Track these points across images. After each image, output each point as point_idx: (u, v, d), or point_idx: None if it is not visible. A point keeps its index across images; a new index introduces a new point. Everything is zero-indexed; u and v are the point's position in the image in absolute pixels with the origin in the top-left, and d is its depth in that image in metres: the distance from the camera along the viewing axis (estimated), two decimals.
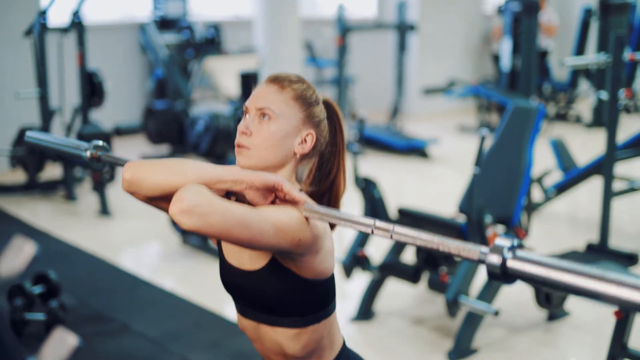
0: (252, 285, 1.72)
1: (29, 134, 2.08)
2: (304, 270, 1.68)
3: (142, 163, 1.62)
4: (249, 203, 1.62)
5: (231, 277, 1.77)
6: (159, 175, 1.58)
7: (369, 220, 1.50)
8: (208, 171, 1.58)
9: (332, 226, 1.76)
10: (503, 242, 1.31)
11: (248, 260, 1.72)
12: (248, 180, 1.59)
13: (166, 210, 1.61)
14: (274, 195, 1.62)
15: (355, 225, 1.52)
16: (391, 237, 1.47)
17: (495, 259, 1.30)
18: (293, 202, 1.61)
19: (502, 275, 1.31)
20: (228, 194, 1.65)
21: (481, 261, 1.34)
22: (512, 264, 1.30)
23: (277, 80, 1.72)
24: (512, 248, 1.31)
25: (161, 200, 1.62)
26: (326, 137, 1.77)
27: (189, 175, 1.56)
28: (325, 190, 1.80)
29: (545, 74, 10.09)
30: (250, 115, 1.71)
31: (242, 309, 1.79)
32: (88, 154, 1.92)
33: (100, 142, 1.94)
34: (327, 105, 1.79)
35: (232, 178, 1.59)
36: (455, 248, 1.39)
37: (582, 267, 1.24)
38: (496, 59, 9.95)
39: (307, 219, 1.61)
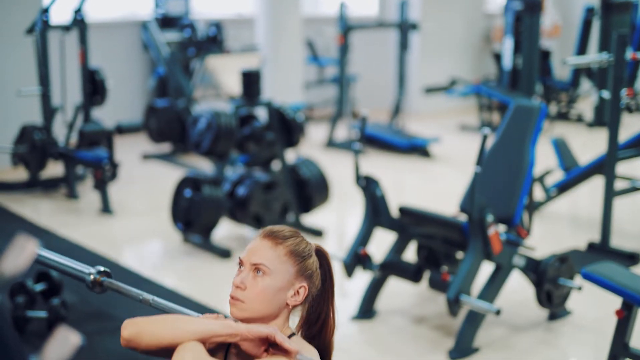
0: None
1: (38, 251, 2.12)
2: None
3: (138, 322, 1.73)
4: (245, 352, 1.72)
5: None
6: (157, 333, 1.69)
7: None
8: (203, 327, 1.69)
9: None
10: None
11: None
12: (242, 334, 1.69)
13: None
14: (268, 344, 1.70)
15: None
16: None
17: None
18: (286, 352, 1.68)
19: None
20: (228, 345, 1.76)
21: None
22: None
23: (272, 236, 1.79)
24: None
25: (161, 353, 1.72)
26: (318, 286, 1.84)
27: (186, 332, 1.68)
28: (315, 333, 1.86)
29: (547, 73, 10.08)
30: (245, 269, 1.78)
31: None
32: (91, 278, 2.03)
33: (102, 268, 2.04)
34: (319, 253, 1.86)
35: (226, 332, 1.69)
36: None
37: None
38: (498, 57, 9.95)
39: None
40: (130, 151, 8.20)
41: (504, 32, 9.28)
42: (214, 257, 5.14)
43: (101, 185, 6.08)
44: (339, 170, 7.13)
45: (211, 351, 1.74)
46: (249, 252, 1.78)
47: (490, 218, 3.73)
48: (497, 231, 3.78)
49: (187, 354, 1.64)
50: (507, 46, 9.17)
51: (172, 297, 4.47)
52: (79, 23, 6.52)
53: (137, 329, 1.71)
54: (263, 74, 6.45)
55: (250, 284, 1.75)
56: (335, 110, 8.99)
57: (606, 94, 5.28)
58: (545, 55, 10.06)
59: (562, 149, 5.89)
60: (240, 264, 1.79)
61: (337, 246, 5.33)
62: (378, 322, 4.17)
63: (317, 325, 1.85)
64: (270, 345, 1.70)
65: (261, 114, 6.59)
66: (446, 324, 4.11)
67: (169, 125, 7.87)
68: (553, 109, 10.05)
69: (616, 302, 3.19)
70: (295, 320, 1.86)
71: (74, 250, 5.24)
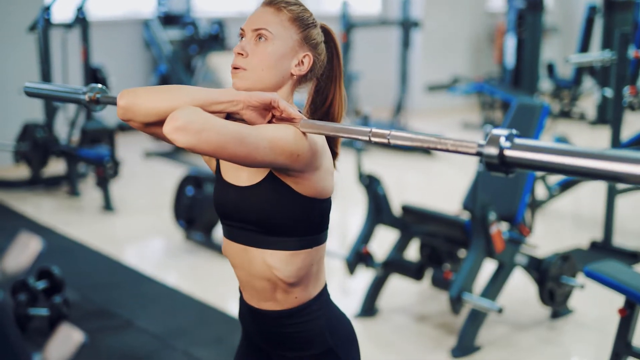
0: (248, 201, 1.70)
1: (27, 84, 2.07)
2: (302, 187, 1.68)
3: (136, 90, 1.61)
4: (248, 123, 1.62)
5: (226, 195, 1.75)
6: (154, 100, 1.58)
7: (365, 129, 1.51)
8: (203, 93, 1.59)
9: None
10: (500, 131, 1.31)
11: (245, 177, 1.72)
12: (244, 100, 1.60)
13: (162, 136, 1.60)
14: (271, 115, 1.63)
15: (353, 134, 1.53)
16: (389, 142, 1.48)
17: (492, 150, 1.30)
18: (290, 119, 1.62)
19: (501, 166, 1.30)
20: (228, 117, 1.66)
21: (479, 154, 1.34)
22: (509, 153, 1.29)
23: (274, 3, 1.72)
24: (509, 137, 1.30)
25: (157, 126, 1.61)
26: (323, 61, 1.77)
27: (184, 98, 1.57)
28: (322, 116, 1.80)
29: (549, 71, 10.08)
30: (247, 37, 1.70)
31: (231, 232, 1.77)
32: (86, 97, 1.92)
33: (99, 85, 1.93)
34: (325, 30, 1.79)
35: (227, 99, 1.60)
36: (452, 144, 1.39)
37: (579, 147, 1.23)
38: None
39: (305, 135, 1.62)
40: (132, 149, 8.20)
41: (507, 31, 9.28)
42: (215, 255, 5.14)
43: (103, 183, 6.08)
44: (341, 168, 7.07)
45: None
46: (250, 19, 1.71)
47: (492, 216, 3.72)
48: (500, 229, 3.78)
49: (184, 107, 1.53)
50: (509, 44, 9.16)
51: (174, 295, 4.47)
52: (81, 21, 6.52)
53: (134, 97, 1.60)
54: None
55: (252, 51, 1.68)
56: None
57: (609, 92, 5.27)
58: None
59: None
60: (242, 34, 1.72)
61: (339, 244, 5.33)
62: (380, 320, 4.17)
63: (324, 107, 1.79)
64: (274, 116, 1.63)
65: None
66: (448, 322, 4.11)
67: None
68: (555, 107, 10.04)
69: (619, 300, 3.19)
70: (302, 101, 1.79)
71: (75, 248, 5.24)
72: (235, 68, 1.69)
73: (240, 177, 1.72)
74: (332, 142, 1.81)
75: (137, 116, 1.60)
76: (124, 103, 1.60)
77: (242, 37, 1.72)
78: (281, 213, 1.68)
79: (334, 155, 1.81)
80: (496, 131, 1.31)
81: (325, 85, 1.79)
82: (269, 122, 1.63)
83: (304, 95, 1.82)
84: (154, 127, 1.62)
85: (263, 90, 1.66)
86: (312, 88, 1.79)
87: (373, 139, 1.50)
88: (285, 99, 1.71)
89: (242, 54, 1.68)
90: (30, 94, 2.06)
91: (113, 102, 1.82)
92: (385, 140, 1.48)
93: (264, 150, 1.56)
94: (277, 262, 1.71)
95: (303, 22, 1.72)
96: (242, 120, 1.62)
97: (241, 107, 1.60)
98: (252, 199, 1.69)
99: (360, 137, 1.52)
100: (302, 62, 1.71)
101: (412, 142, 1.46)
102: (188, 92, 1.58)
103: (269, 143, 1.56)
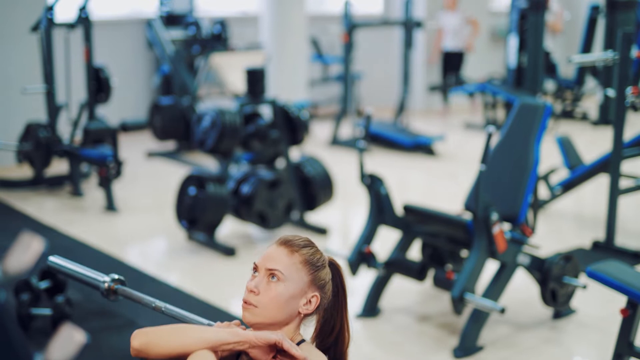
0: None
1: (51, 259, 2.12)
2: None
3: (148, 332, 1.75)
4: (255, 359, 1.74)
5: None
6: (166, 343, 1.72)
7: None
8: (212, 336, 1.71)
9: None
10: None
11: None
12: (250, 341, 1.71)
13: None
14: (276, 351, 1.73)
15: None
16: None
17: None
18: (294, 359, 1.71)
19: None
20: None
21: None
22: None
23: (288, 244, 1.81)
24: None
25: None
26: (329, 297, 1.85)
27: (196, 340, 1.70)
28: (329, 345, 1.88)
29: (551, 71, 10.07)
30: (260, 274, 1.80)
31: None
32: (105, 285, 2.03)
33: (117, 276, 2.04)
34: (332, 265, 1.88)
35: (234, 340, 1.71)
36: None
37: None
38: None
39: None
40: (134, 149, 8.21)
41: (509, 30, 9.26)
42: (218, 255, 5.14)
43: (106, 182, 6.09)
44: (343, 168, 7.12)
45: None
46: (265, 258, 1.80)
47: (494, 216, 3.72)
48: (502, 229, 3.78)
49: (197, 356, 1.66)
50: (512, 44, 9.15)
51: (177, 294, 4.48)
52: (83, 21, 6.52)
53: (147, 339, 1.73)
54: (267, 72, 6.44)
55: (264, 289, 1.76)
56: (340, 108, 8.98)
57: (611, 92, 5.27)
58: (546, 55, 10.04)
59: (567, 147, 5.88)
60: (255, 269, 1.81)
61: (341, 244, 5.33)
62: (382, 320, 4.17)
63: (332, 337, 1.87)
64: (278, 352, 1.71)
65: (266, 111, 6.59)
66: (450, 322, 4.11)
67: (174, 123, 7.87)
68: (558, 107, 10.03)
69: (621, 300, 3.19)
70: (309, 331, 1.87)
71: (78, 248, 5.24)
72: (247, 303, 1.78)
73: None
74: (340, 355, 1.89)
75: (150, 356, 1.73)
76: (137, 345, 1.74)
77: (255, 271, 1.81)
78: None
79: None
80: None
81: (330, 316, 1.87)
82: (274, 357, 1.73)
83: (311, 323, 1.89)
84: None
85: (271, 326, 1.78)
86: (318, 320, 1.87)
87: None
88: (292, 333, 1.80)
89: (254, 292, 1.77)
90: (53, 268, 2.14)
91: (130, 298, 2.00)
92: None
93: None
94: None
95: (314, 265, 1.81)
96: (249, 356, 1.74)
97: (247, 347, 1.72)
98: None
99: None
100: (310, 301, 1.81)
101: None
102: (199, 335, 1.71)
103: None
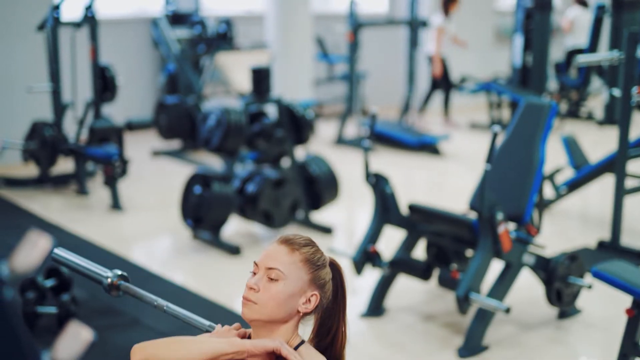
0: None
1: (56, 251, 2.15)
2: None
3: (147, 346, 1.78)
4: None
5: None
6: (167, 356, 1.74)
7: None
8: (211, 347, 1.72)
9: None
10: None
11: None
12: (249, 350, 1.72)
13: None
14: (275, 358, 1.74)
15: None
16: None
17: None
18: None
19: None
20: None
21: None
22: None
23: (288, 243, 1.82)
24: None
25: None
26: (329, 297, 1.86)
27: (194, 354, 1.72)
28: (326, 345, 1.88)
29: (559, 70, 10.06)
30: (260, 272, 1.80)
31: None
32: (108, 281, 2.04)
33: (120, 272, 2.05)
34: (332, 266, 1.88)
35: (232, 350, 1.72)
36: None
37: None
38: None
39: None
40: (140, 148, 8.22)
41: (514, 30, 9.26)
42: (223, 254, 5.15)
43: (111, 181, 6.10)
44: (348, 168, 7.12)
45: None
46: (265, 256, 1.81)
47: (500, 216, 3.72)
48: (507, 229, 3.78)
49: None
50: (517, 44, 9.14)
51: (181, 293, 4.48)
52: (89, 20, 6.54)
53: (147, 354, 1.76)
54: (273, 71, 6.45)
55: (264, 287, 1.77)
56: (345, 107, 8.98)
57: (617, 92, 5.26)
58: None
59: (572, 147, 5.87)
60: (255, 267, 1.82)
61: (346, 243, 5.33)
62: (387, 319, 4.17)
63: (328, 338, 1.87)
64: (277, 358, 1.72)
65: (271, 111, 6.59)
66: (455, 322, 4.11)
67: (179, 121, 7.88)
68: (563, 106, 10.01)
69: (626, 300, 3.18)
70: (307, 330, 1.87)
71: (83, 246, 5.25)
72: (246, 299, 1.79)
73: None
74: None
75: None
76: None
77: (255, 269, 1.82)
78: None
79: None
80: None
81: (328, 317, 1.88)
82: None
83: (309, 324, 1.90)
84: None
85: (269, 323, 1.79)
86: (316, 319, 1.88)
87: None
88: (290, 332, 1.81)
89: (254, 289, 1.78)
90: (57, 261, 2.16)
91: (131, 294, 2.02)
92: None
93: None
94: None
95: (314, 263, 1.82)
96: None
97: (246, 356, 1.73)
98: None
99: None
100: (309, 300, 1.81)
101: None
102: (198, 347, 1.72)
103: None
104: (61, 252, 2.14)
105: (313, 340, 1.88)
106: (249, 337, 1.83)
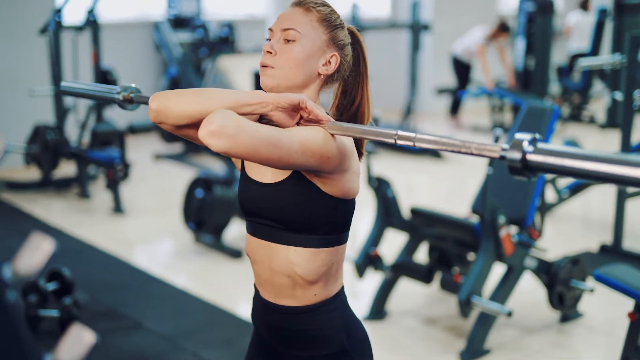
0: (273, 198, 1.72)
1: (64, 84, 2.13)
2: (330, 188, 1.70)
3: (167, 93, 1.65)
4: (277, 125, 1.64)
5: (251, 192, 1.78)
6: (185, 103, 1.61)
7: (392, 131, 1.54)
8: (233, 96, 1.61)
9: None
10: (523, 136, 1.33)
11: (270, 175, 1.74)
12: (273, 102, 1.62)
13: (194, 138, 1.65)
14: (299, 116, 1.66)
15: (379, 137, 1.56)
16: (414, 144, 1.51)
17: (516, 154, 1.33)
18: (317, 121, 1.64)
19: (523, 170, 1.33)
20: (259, 119, 1.69)
21: (502, 157, 1.37)
22: (532, 157, 1.32)
23: (303, 3, 1.75)
24: (532, 141, 1.32)
25: (188, 128, 1.65)
26: (350, 62, 1.79)
27: (215, 100, 1.60)
28: (349, 118, 1.82)
29: (561, 74, 10.06)
30: (275, 36, 1.74)
31: (254, 229, 1.79)
32: (120, 96, 1.97)
33: (133, 85, 1.99)
34: (352, 33, 1.82)
35: (257, 100, 1.62)
36: (476, 148, 1.41)
37: (601, 153, 1.25)
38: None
39: (333, 136, 1.64)
40: (142, 151, 8.23)
41: (516, 33, 9.26)
42: (225, 258, 5.15)
43: (113, 185, 6.10)
44: None
45: None
46: (280, 19, 1.75)
47: (502, 219, 3.72)
48: (509, 232, 3.78)
49: (218, 111, 1.56)
50: (519, 47, 9.14)
51: (183, 296, 4.48)
52: (91, 23, 6.55)
53: (166, 100, 1.64)
54: None
55: (281, 50, 1.71)
56: None
57: (619, 96, 5.26)
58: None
59: None
60: (270, 33, 1.75)
61: (348, 247, 5.32)
62: (389, 323, 4.17)
63: (352, 109, 1.82)
64: (302, 117, 1.66)
65: None
66: (457, 325, 4.10)
67: None
68: (565, 110, 10.01)
69: (628, 304, 3.18)
70: (328, 103, 1.80)
71: (85, 250, 5.26)
72: (263, 66, 1.72)
73: (265, 174, 1.75)
74: (357, 143, 1.82)
75: (169, 119, 1.64)
76: (155, 106, 1.64)
77: (269, 38, 1.75)
78: (305, 211, 1.71)
79: (360, 155, 1.82)
80: (519, 135, 1.33)
81: (352, 87, 1.81)
82: (297, 123, 1.66)
83: (329, 95, 1.84)
84: (185, 129, 1.67)
85: (290, 89, 1.71)
86: (338, 90, 1.82)
87: (399, 142, 1.53)
88: (311, 98, 1.74)
89: (270, 52, 1.72)
90: (66, 92, 2.12)
91: (145, 102, 1.87)
92: (410, 143, 1.52)
93: (296, 154, 1.59)
94: (299, 259, 1.73)
95: (331, 23, 1.75)
96: (271, 122, 1.65)
97: (270, 109, 1.63)
98: (277, 196, 1.72)
99: (386, 140, 1.55)
100: (329, 62, 1.74)
101: (437, 146, 1.48)
102: (219, 95, 1.61)
103: (300, 146, 1.59)
104: (68, 84, 2.11)
105: (335, 112, 1.82)
106: None
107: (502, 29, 9.36)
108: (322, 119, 1.63)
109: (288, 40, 1.71)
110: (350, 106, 1.82)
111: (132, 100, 1.96)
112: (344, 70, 1.78)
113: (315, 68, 1.73)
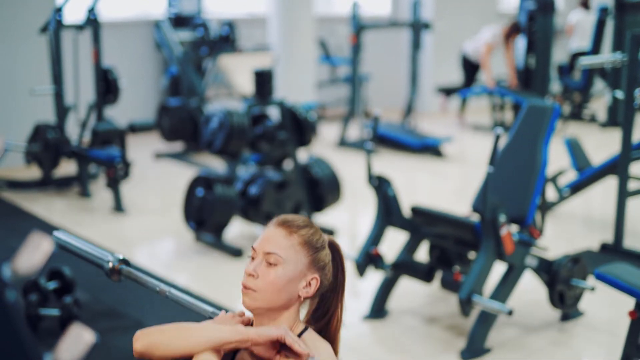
0: None
1: (56, 234, 2.11)
2: None
3: (150, 333, 1.73)
4: (258, 356, 1.72)
5: None
6: (169, 344, 1.70)
7: None
8: (214, 335, 1.68)
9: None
10: None
11: None
12: (252, 339, 1.68)
13: None
14: (280, 346, 1.70)
15: None
16: None
17: None
18: (297, 355, 1.67)
19: None
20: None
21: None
22: None
23: (286, 225, 1.77)
24: None
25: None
26: (330, 279, 1.82)
27: (198, 341, 1.68)
28: (322, 326, 1.84)
29: (562, 72, 10.05)
30: (258, 257, 1.76)
31: None
32: (110, 265, 2.01)
33: (121, 256, 2.03)
34: (332, 246, 1.84)
35: (236, 339, 1.68)
36: None
37: None
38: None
39: None
40: (142, 150, 8.23)
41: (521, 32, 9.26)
42: (225, 256, 5.15)
43: (114, 183, 6.10)
44: (351, 170, 7.12)
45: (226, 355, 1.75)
46: (263, 240, 1.76)
47: (502, 218, 3.72)
48: (510, 231, 3.77)
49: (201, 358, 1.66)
50: (520, 46, 9.14)
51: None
52: (92, 22, 6.54)
53: (150, 341, 1.71)
54: (275, 73, 6.45)
55: (263, 273, 1.73)
56: (348, 109, 8.98)
57: (620, 94, 5.25)
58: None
59: (575, 149, 5.87)
60: (253, 252, 1.77)
61: (349, 246, 5.32)
62: (390, 322, 4.17)
63: (325, 319, 1.83)
64: (282, 346, 1.68)
65: (273, 113, 6.60)
66: (458, 324, 4.10)
67: (182, 124, 7.89)
68: (566, 109, 10.01)
69: (629, 303, 3.18)
70: (302, 312, 1.84)
71: None
72: (245, 287, 1.75)
73: None
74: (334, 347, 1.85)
75: (153, 357, 1.72)
76: (139, 347, 1.72)
77: (253, 255, 1.78)
78: None
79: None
80: None
81: (327, 298, 1.84)
82: (278, 352, 1.70)
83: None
84: None
85: (270, 310, 1.75)
86: (313, 301, 1.84)
87: None
88: (292, 318, 1.77)
89: (253, 275, 1.74)
90: (58, 245, 2.12)
91: (135, 280, 2.00)
92: None
93: None
94: None
95: (313, 245, 1.77)
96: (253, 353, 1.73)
97: (250, 345, 1.69)
98: None
99: None
100: (309, 284, 1.77)
101: None
102: (202, 335, 1.69)
103: None
104: (62, 236, 2.10)
105: (308, 321, 1.84)
106: (252, 324, 1.80)
107: (516, 28, 9.35)
108: (301, 354, 1.66)
109: (270, 264, 1.73)
110: (323, 316, 1.84)
111: (121, 273, 2.02)
112: (323, 288, 1.80)
113: (295, 291, 1.75)
